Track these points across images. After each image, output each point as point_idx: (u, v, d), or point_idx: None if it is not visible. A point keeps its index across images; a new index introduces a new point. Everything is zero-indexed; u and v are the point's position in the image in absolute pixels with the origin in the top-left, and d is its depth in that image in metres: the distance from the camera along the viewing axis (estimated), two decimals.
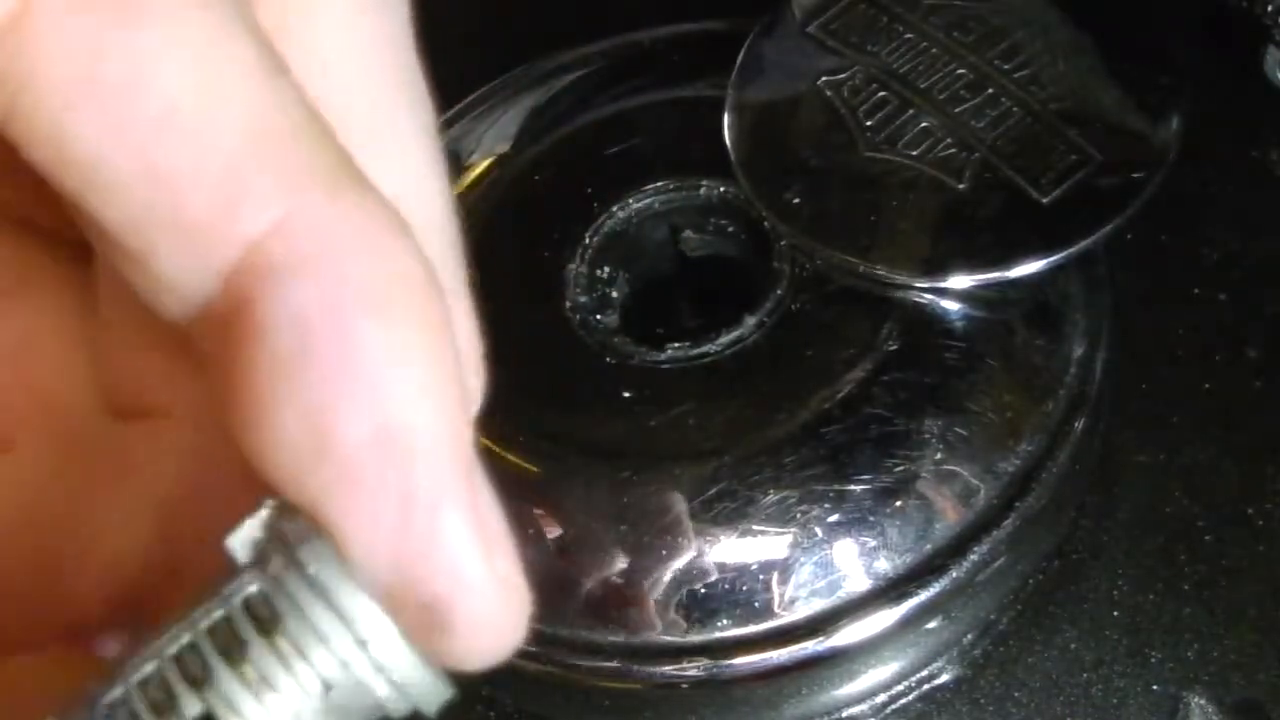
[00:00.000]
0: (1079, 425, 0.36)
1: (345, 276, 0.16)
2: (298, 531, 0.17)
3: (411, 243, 0.17)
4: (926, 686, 0.37)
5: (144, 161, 0.15)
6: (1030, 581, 0.37)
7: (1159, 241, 0.42)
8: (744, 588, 0.34)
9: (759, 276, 0.38)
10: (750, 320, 0.37)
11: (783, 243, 0.38)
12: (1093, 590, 0.37)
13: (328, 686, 0.17)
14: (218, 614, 0.17)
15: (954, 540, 0.34)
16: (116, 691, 0.17)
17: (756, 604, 0.34)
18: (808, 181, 0.38)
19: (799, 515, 0.34)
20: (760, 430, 0.35)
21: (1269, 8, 0.42)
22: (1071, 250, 0.36)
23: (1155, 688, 0.36)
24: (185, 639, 0.17)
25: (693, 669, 0.34)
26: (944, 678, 0.37)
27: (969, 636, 0.37)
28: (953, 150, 0.37)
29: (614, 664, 0.35)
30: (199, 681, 0.17)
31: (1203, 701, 0.35)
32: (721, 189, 0.40)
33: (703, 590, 0.34)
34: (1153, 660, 0.36)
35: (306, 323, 0.16)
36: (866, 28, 0.40)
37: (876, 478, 0.34)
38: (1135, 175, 0.37)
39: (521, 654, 0.35)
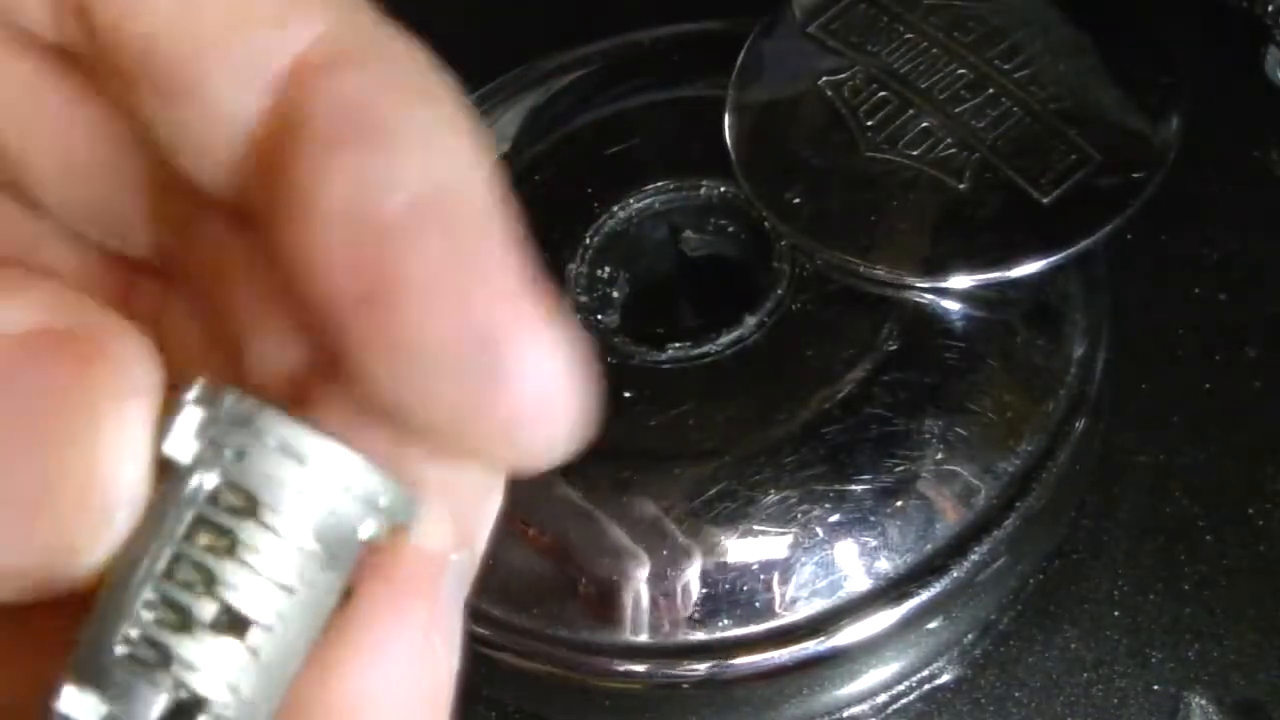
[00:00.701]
0: (1079, 425, 0.36)
1: (389, 68, 0.17)
2: (236, 411, 0.17)
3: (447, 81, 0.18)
4: (927, 686, 0.37)
5: None
6: (1030, 581, 0.38)
7: (1159, 241, 0.42)
8: (745, 588, 0.34)
9: (759, 276, 0.38)
10: (750, 320, 0.37)
11: (783, 243, 0.38)
12: (1093, 590, 0.37)
13: (321, 539, 0.17)
14: (188, 517, 0.17)
15: (954, 540, 0.34)
16: (123, 629, 0.17)
17: (757, 604, 0.34)
18: (808, 181, 0.38)
19: (799, 515, 0.34)
20: (760, 430, 0.35)
21: (1269, 8, 0.42)
22: (1071, 250, 0.36)
23: (1156, 688, 0.36)
24: (168, 553, 0.17)
25: (693, 669, 0.34)
26: (945, 678, 0.37)
27: (969, 636, 0.37)
28: (953, 150, 0.37)
29: (614, 664, 0.35)
30: (202, 584, 0.17)
31: (1203, 701, 0.35)
32: (722, 189, 0.40)
33: (703, 590, 0.34)
34: (1153, 660, 0.36)
35: (352, 103, 0.17)
36: (867, 28, 0.40)
37: (877, 478, 0.34)
38: (1135, 175, 0.37)
39: (521, 654, 0.36)
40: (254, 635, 0.17)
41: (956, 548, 0.34)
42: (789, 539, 0.34)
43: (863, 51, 0.40)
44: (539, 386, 0.17)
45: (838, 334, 0.36)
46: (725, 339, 0.37)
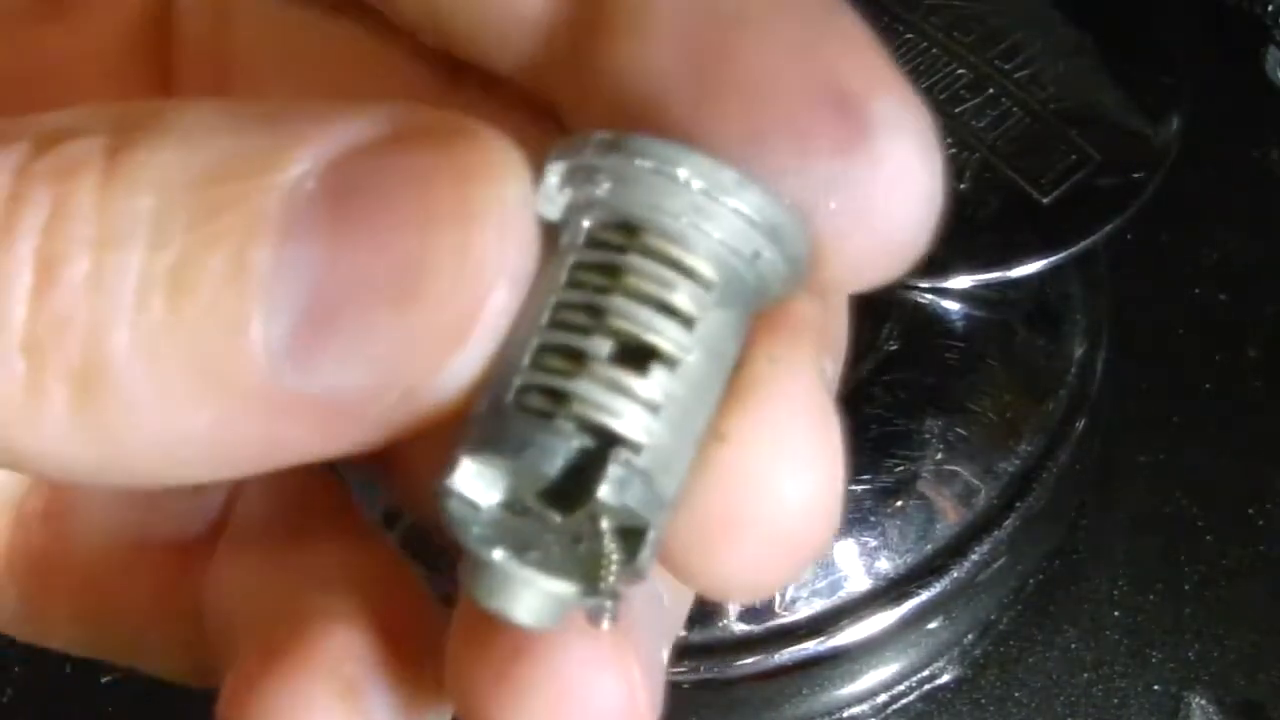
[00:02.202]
0: (1079, 425, 0.36)
1: None
2: (602, 144, 0.15)
3: None
4: (927, 686, 0.37)
5: None
6: (1030, 581, 0.37)
7: (1159, 241, 0.42)
8: None
9: None
10: None
11: None
12: (1093, 590, 0.37)
13: (712, 263, 0.15)
14: (567, 265, 0.15)
15: (954, 540, 0.34)
16: (513, 385, 0.15)
17: (758, 604, 0.34)
18: None
19: None
20: None
21: (1269, 8, 0.42)
22: (1071, 250, 0.36)
23: (1156, 688, 0.36)
24: (551, 305, 0.15)
25: (693, 669, 0.34)
26: (944, 678, 0.37)
27: (969, 637, 0.37)
28: (953, 150, 0.37)
29: None
30: (592, 322, 0.15)
31: (1203, 701, 0.35)
32: None
33: None
34: (1153, 660, 0.36)
35: None
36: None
37: (877, 478, 0.34)
38: (1135, 175, 0.37)
39: None
40: (657, 369, 0.15)
41: (956, 548, 0.34)
42: None
43: None
44: (902, 149, 0.16)
45: None
46: None
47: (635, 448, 0.15)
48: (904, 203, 0.16)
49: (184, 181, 0.15)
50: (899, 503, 0.34)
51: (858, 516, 0.34)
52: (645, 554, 0.15)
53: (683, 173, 0.15)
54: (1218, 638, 0.36)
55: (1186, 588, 0.37)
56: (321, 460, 0.16)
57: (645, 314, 0.15)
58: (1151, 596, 0.37)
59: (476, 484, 0.15)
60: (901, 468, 0.34)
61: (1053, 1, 0.40)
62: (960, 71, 0.39)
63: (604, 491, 0.15)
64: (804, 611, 0.34)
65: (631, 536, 0.15)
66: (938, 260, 0.36)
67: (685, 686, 0.35)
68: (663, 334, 0.15)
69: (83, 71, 0.21)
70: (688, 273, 0.15)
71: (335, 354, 0.15)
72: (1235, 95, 0.44)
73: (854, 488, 0.34)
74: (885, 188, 0.16)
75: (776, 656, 0.34)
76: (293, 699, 0.17)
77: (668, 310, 0.15)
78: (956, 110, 0.38)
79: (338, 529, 0.21)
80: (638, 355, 0.15)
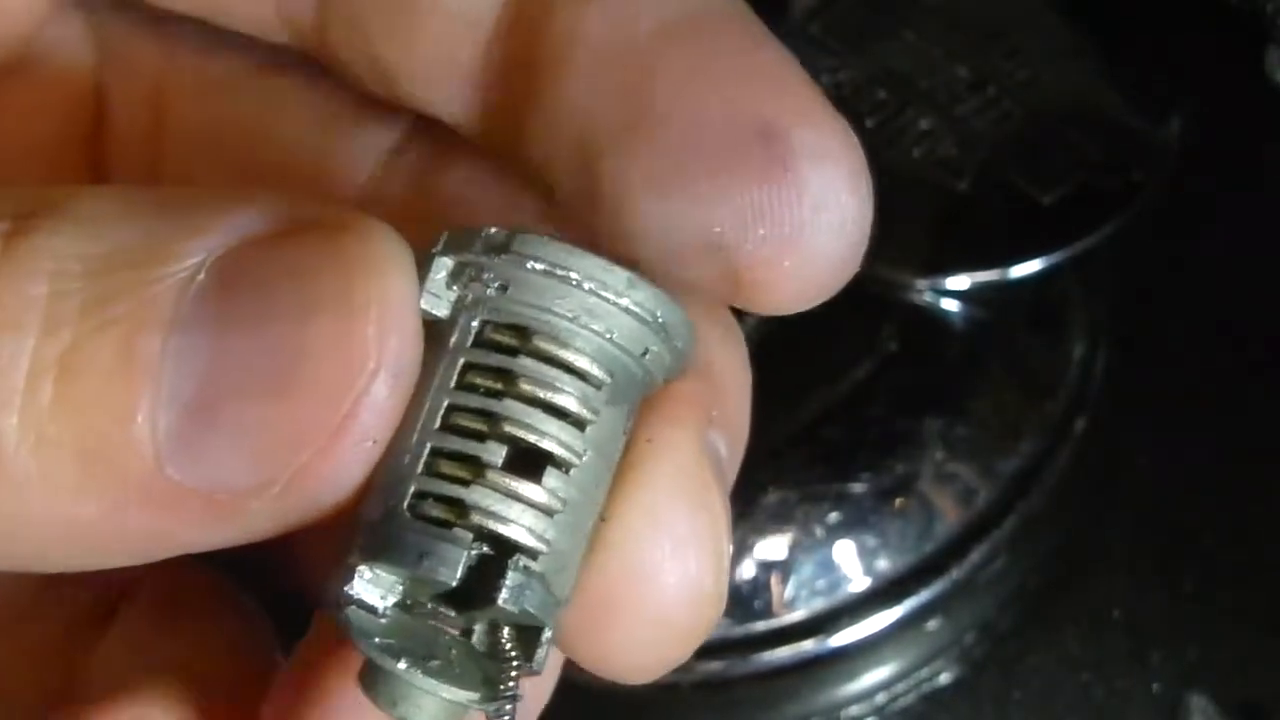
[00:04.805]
0: (1079, 425, 0.36)
1: None
2: (492, 242, 0.16)
3: None
4: (927, 686, 0.37)
5: None
6: (1030, 582, 0.37)
7: (1159, 241, 0.42)
8: (744, 588, 0.34)
9: None
10: (750, 320, 0.37)
11: None
12: (1093, 590, 0.37)
13: (602, 363, 0.16)
14: (458, 366, 0.16)
15: (954, 540, 0.34)
16: (409, 492, 0.15)
17: (757, 604, 0.34)
18: None
19: (799, 515, 0.34)
20: (760, 430, 0.35)
21: (1270, 7, 0.42)
22: (1071, 250, 0.36)
23: (1156, 688, 0.36)
24: (443, 407, 0.15)
25: (693, 669, 0.34)
26: (944, 678, 0.37)
27: (969, 637, 0.37)
28: (953, 150, 0.37)
29: None
30: (486, 428, 0.15)
31: (1203, 702, 0.35)
32: None
33: None
34: (1153, 660, 0.36)
35: None
36: (866, 28, 0.40)
37: (876, 478, 0.34)
38: (1135, 175, 0.37)
39: None
40: (551, 474, 0.15)
41: (956, 548, 0.34)
42: (788, 539, 0.34)
43: (863, 51, 0.40)
44: (826, 175, 0.16)
45: (837, 334, 0.36)
46: None
47: (532, 554, 0.15)
48: (830, 228, 0.16)
49: (78, 270, 0.15)
50: (899, 503, 0.34)
51: (857, 516, 0.34)
52: (542, 653, 0.16)
53: (575, 275, 0.16)
54: (1218, 638, 0.36)
55: (1186, 588, 0.37)
56: (209, 550, 0.16)
57: (538, 418, 0.15)
58: (1151, 597, 0.37)
59: (373, 591, 0.16)
60: (901, 468, 0.34)
61: (1053, 2, 0.40)
62: (960, 71, 0.39)
63: (504, 598, 0.15)
64: (803, 611, 0.34)
65: (528, 636, 0.16)
66: (938, 260, 0.36)
67: (684, 687, 0.35)
68: (556, 438, 0.15)
69: (13, 156, 0.22)
70: (580, 375, 0.16)
71: (217, 446, 0.15)
72: (1235, 95, 0.44)
73: (854, 488, 0.34)
74: (810, 214, 0.16)
75: (775, 656, 0.34)
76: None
77: (560, 414, 0.15)
78: (956, 110, 0.38)
79: (230, 606, 0.21)
80: (532, 461, 0.15)
